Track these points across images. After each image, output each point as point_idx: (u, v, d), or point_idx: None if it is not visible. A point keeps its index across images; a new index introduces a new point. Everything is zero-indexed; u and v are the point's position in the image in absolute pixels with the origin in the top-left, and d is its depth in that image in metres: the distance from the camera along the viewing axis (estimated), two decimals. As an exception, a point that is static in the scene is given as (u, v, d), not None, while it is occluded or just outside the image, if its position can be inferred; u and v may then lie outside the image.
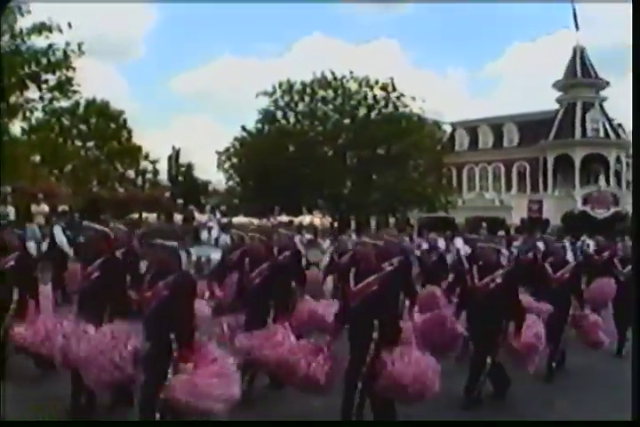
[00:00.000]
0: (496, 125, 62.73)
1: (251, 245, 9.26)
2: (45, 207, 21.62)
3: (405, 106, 49.68)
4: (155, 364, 6.12)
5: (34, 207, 21.54)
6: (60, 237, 14.66)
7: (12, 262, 9.38)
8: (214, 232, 23.84)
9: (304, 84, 50.64)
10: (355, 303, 7.31)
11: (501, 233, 23.73)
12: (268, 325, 8.37)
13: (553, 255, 11.55)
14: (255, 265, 8.82)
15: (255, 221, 29.46)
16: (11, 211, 20.09)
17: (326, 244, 25.02)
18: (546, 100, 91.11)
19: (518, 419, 7.80)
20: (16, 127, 32.03)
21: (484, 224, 27.30)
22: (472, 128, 63.93)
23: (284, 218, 31.71)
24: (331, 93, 50.63)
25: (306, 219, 34.10)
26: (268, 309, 8.56)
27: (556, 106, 60.59)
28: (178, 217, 23.84)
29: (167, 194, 37.34)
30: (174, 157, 36.92)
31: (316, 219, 35.55)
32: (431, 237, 17.04)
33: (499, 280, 8.76)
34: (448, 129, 65.10)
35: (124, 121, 56.81)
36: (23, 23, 27.00)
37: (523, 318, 8.77)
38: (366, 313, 7.10)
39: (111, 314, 7.51)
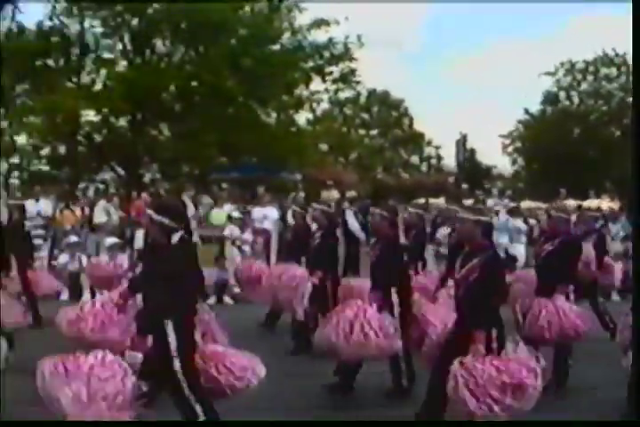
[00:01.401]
0: None
1: None
2: (335, 193, 22.29)
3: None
4: None
5: (324, 193, 22.29)
6: (353, 222, 14.92)
7: None
8: (501, 216, 23.58)
9: (586, 63, 49.15)
10: (457, 292, 6.27)
11: None
12: None
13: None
14: None
15: (542, 205, 28.74)
16: (302, 197, 20.98)
17: (615, 228, 23.90)
18: None
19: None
20: (301, 118, 33.48)
21: None
22: None
23: (572, 202, 30.78)
24: (614, 71, 48.79)
25: (594, 202, 32.93)
26: None
27: None
28: (467, 202, 23.76)
29: (451, 179, 37.42)
30: (462, 141, 36.80)
31: (604, 202, 34.22)
32: None
33: None
34: None
35: (405, 109, 57.56)
36: (301, 20, 28.13)
37: None
38: (467, 305, 6.08)
39: None
